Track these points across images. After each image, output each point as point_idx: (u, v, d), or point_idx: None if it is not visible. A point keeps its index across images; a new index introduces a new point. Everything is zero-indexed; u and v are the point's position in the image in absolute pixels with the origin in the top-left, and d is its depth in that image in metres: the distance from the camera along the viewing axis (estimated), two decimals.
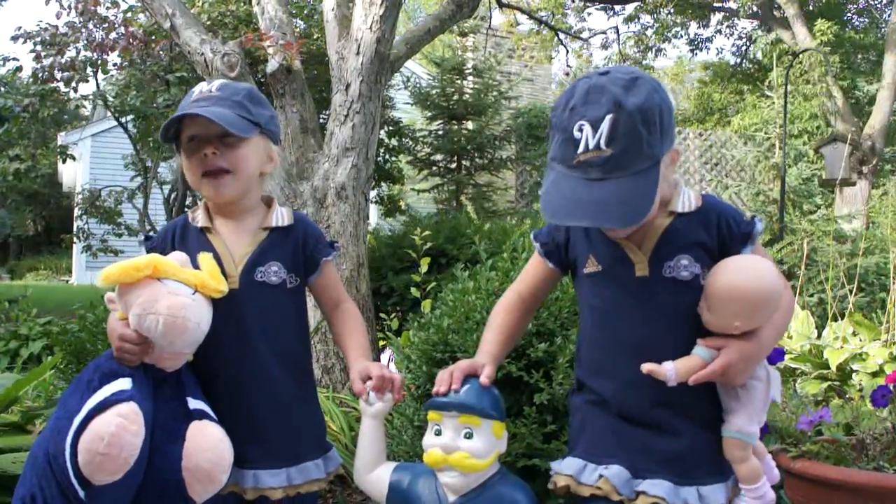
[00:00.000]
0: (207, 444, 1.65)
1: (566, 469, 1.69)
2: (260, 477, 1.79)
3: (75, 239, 9.95)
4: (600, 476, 1.63)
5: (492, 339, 1.82)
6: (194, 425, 1.68)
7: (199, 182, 1.82)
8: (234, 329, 1.79)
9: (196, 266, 1.76)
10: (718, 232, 1.64)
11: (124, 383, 1.63)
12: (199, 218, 1.88)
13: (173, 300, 1.64)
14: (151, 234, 1.97)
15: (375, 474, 1.79)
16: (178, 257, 1.76)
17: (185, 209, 8.63)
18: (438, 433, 1.67)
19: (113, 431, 1.51)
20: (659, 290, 1.63)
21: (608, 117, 1.46)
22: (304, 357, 1.96)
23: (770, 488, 1.67)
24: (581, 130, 1.49)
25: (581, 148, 1.49)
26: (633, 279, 1.64)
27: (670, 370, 1.57)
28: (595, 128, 1.47)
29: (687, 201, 1.65)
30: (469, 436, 1.64)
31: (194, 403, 1.73)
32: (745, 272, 1.57)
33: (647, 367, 1.58)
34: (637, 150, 1.48)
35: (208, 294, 1.72)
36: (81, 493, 1.55)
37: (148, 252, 1.86)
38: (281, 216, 1.89)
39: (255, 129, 1.82)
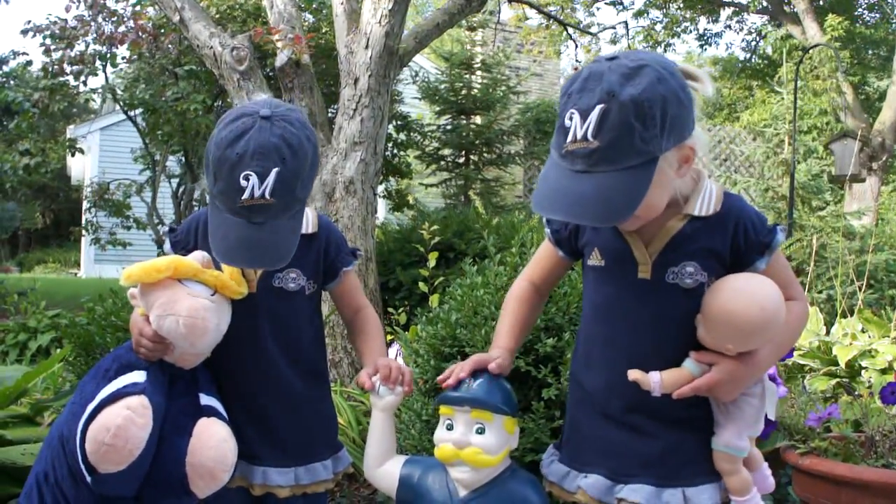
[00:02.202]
0: (211, 442, 1.66)
1: (551, 475, 1.72)
2: (269, 474, 1.79)
3: (84, 232, 9.99)
4: (579, 487, 1.63)
5: (506, 330, 1.79)
6: (201, 422, 1.69)
7: None
8: (248, 332, 1.80)
9: (217, 265, 1.77)
10: (733, 239, 1.57)
11: (138, 376, 1.65)
12: None
13: (193, 302, 1.66)
14: (174, 225, 1.97)
15: (385, 468, 1.78)
16: (198, 257, 1.76)
17: (194, 202, 8.64)
18: (450, 428, 1.66)
19: (119, 423, 1.53)
20: (659, 294, 1.57)
21: (598, 107, 1.37)
22: (319, 359, 1.95)
23: (760, 500, 1.63)
24: (571, 119, 1.40)
25: (570, 137, 1.40)
26: (635, 280, 1.59)
27: (656, 382, 1.54)
28: (584, 117, 1.38)
29: (706, 204, 1.57)
30: (481, 431, 1.64)
31: (206, 400, 1.74)
32: (740, 298, 1.50)
33: (633, 374, 1.55)
34: (626, 144, 1.37)
35: (228, 295, 1.74)
36: (89, 479, 1.58)
37: (173, 245, 1.88)
38: (307, 222, 1.83)
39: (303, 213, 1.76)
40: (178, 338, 1.66)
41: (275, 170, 1.57)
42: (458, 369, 1.68)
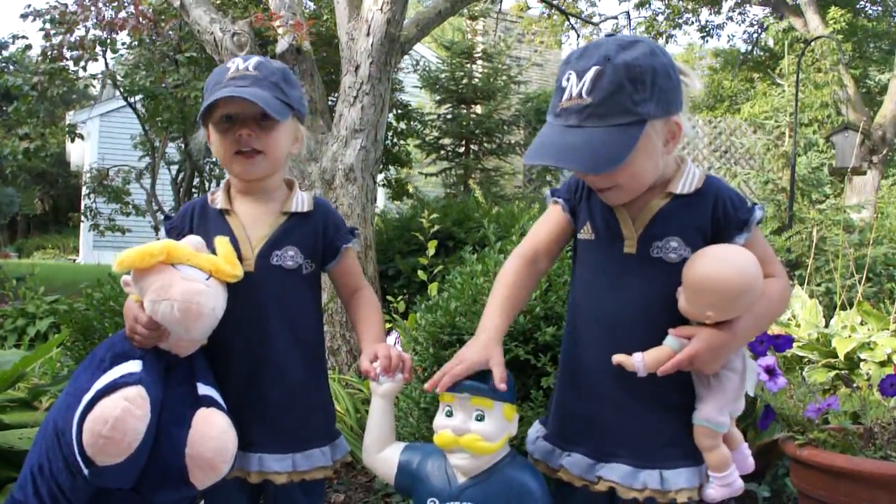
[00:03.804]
0: (212, 433, 1.64)
1: (537, 453, 1.76)
2: (265, 461, 1.78)
3: (83, 218, 9.99)
4: (561, 465, 1.69)
5: (497, 309, 1.73)
6: (200, 413, 1.67)
7: (231, 160, 1.82)
8: (248, 312, 1.78)
9: (212, 249, 1.76)
10: (713, 214, 1.63)
11: (134, 365, 1.63)
12: (218, 200, 1.87)
13: (187, 286, 1.64)
14: (171, 214, 1.97)
15: (384, 454, 1.78)
16: (192, 241, 1.75)
17: (193, 189, 8.63)
18: (450, 414, 1.66)
19: (117, 416, 1.51)
20: (644, 269, 1.63)
21: (594, 68, 1.48)
22: (318, 343, 1.95)
23: (738, 477, 1.67)
24: (568, 80, 1.51)
25: (565, 96, 1.51)
26: (621, 254, 1.64)
27: (639, 362, 1.57)
28: (580, 78, 1.49)
29: (688, 183, 1.64)
30: (480, 418, 1.64)
31: (203, 389, 1.72)
32: (718, 264, 1.55)
33: (616, 358, 1.58)
34: (617, 103, 1.47)
35: (223, 279, 1.71)
36: (86, 471, 1.55)
37: (167, 231, 1.87)
38: (301, 201, 1.88)
39: (290, 112, 1.83)
40: (172, 323, 1.63)
41: (256, 57, 1.84)
42: (454, 375, 1.64)
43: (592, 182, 1.65)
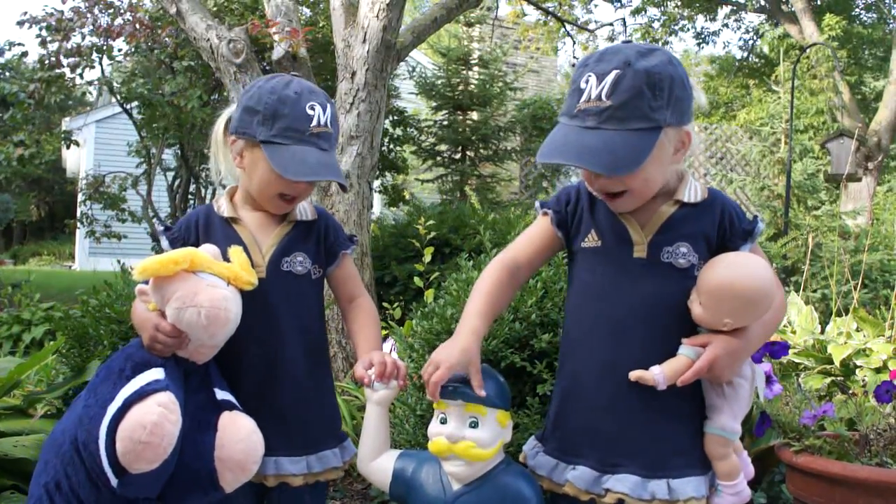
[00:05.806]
0: (240, 435, 1.66)
1: (540, 468, 1.73)
2: (281, 464, 1.80)
3: (79, 224, 9.97)
4: (567, 480, 1.66)
5: (476, 311, 1.69)
6: (226, 415, 1.69)
7: (273, 198, 1.86)
8: (261, 318, 1.81)
9: (226, 257, 1.78)
10: (720, 225, 1.66)
11: (157, 373, 1.63)
12: (223, 208, 1.90)
13: (213, 292, 1.66)
14: (167, 222, 1.98)
15: (379, 462, 1.78)
16: (210, 250, 1.77)
17: (189, 196, 8.62)
18: (444, 422, 1.66)
19: (155, 420, 1.51)
20: (654, 274, 1.63)
21: (614, 72, 1.50)
22: (324, 346, 1.99)
23: (746, 485, 1.68)
24: (587, 82, 1.52)
25: (583, 97, 1.53)
26: (630, 259, 1.65)
27: (658, 374, 1.57)
28: (599, 80, 1.51)
29: (693, 192, 1.67)
30: (475, 425, 1.64)
31: (221, 394, 1.74)
32: (739, 270, 1.57)
33: (634, 374, 1.58)
34: (636, 108, 1.50)
35: (240, 287, 1.74)
36: (114, 482, 1.54)
37: (171, 242, 1.88)
38: (304, 210, 1.93)
39: None
40: (198, 329, 1.65)
41: (329, 103, 1.84)
42: (434, 382, 1.60)
43: (603, 186, 1.64)
